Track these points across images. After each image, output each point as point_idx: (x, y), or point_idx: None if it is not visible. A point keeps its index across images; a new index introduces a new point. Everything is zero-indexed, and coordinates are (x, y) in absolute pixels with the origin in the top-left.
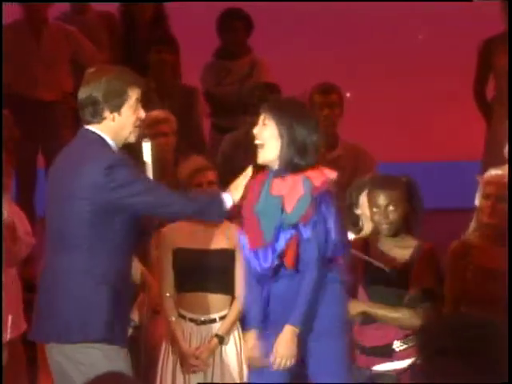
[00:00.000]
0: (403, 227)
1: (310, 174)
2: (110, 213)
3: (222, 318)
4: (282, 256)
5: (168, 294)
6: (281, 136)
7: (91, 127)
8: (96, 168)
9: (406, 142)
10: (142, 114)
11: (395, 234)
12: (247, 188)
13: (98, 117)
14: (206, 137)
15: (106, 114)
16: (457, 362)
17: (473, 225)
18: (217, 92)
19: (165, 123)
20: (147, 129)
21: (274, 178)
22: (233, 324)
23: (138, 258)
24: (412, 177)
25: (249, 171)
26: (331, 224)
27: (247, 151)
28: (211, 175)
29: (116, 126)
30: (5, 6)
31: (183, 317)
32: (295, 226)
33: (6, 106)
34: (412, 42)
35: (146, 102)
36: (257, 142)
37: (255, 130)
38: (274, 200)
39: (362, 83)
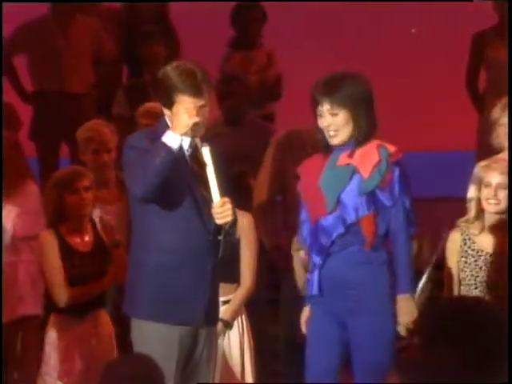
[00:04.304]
0: None
1: (381, 142)
2: None
3: (226, 302)
4: (350, 229)
5: None
6: (355, 119)
7: None
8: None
9: (398, 132)
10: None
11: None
12: (305, 168)
13: None
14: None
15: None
16: (448, 348)
17: (472, 212)
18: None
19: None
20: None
21: (340, 153)
22: (238, 309)
23: None
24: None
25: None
26: (407, 193)
27: None
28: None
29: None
30: (5, 5)
31: None
32: (372, 194)
33: (35, 100)
34: (405, 35)
35: (142, 96)
36: (331, 133)
37: (324, 123)
38: (342, 169)
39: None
